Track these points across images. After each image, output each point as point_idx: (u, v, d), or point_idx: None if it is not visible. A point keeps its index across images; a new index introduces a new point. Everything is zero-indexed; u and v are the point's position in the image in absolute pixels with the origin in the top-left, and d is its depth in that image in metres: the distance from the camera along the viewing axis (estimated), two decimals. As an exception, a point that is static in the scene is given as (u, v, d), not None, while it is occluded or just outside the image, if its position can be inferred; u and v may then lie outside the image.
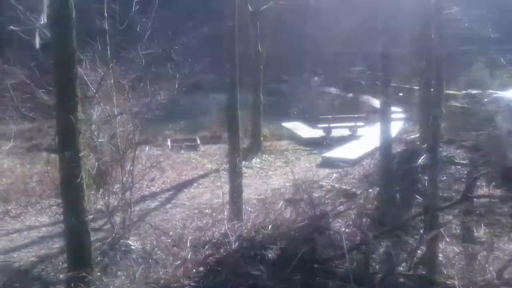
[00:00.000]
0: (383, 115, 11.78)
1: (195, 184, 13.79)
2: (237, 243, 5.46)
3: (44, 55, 7.37)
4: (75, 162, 6.50)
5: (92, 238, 8.42)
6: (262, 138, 17.21)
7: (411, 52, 13.11)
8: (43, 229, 10.35)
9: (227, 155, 10.33)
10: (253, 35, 16.89)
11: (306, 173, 14.48)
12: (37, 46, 7.62)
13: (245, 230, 5.97)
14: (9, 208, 11.39)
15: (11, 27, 7.61)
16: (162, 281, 4.93)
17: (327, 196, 11.64)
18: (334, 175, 13.69)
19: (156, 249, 8.38)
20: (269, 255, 5.02)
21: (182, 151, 16.86)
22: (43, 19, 6.65)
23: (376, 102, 20.73)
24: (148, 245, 9.16)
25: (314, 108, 21.17)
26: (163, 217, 11.23)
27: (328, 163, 15.01)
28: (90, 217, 7.42)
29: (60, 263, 8.36)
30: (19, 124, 15.61)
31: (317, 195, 12.40)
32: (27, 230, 10.18)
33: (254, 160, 16.08)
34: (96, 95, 7.95)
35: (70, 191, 6.56)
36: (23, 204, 11.67)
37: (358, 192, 12.09)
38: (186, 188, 13.41)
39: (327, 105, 20.96)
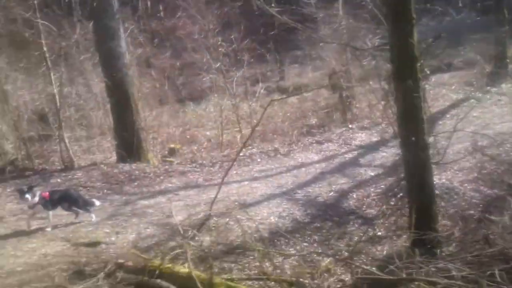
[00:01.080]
0: None
1: (447, 116, 12.67)
2: None
3: None
4: (415, 91, 5.97)
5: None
6: (508, 61, 15.10)
7: None
8: (317, 165, 10.45)
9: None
10: None
11: None
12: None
13: None
14: (276, 147, 11.83)
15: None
16: None
17: None
18: None
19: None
20: None
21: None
22: None
23: None
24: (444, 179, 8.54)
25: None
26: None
27: None
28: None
29: (365, 199, 8.24)
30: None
31: None
32: (304, 167, 10.38)
33: (503, 85, 14.25)
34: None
35: (411, 123, 6.09)
36: (287, 143, 12.04)
37: None
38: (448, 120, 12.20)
39: None
